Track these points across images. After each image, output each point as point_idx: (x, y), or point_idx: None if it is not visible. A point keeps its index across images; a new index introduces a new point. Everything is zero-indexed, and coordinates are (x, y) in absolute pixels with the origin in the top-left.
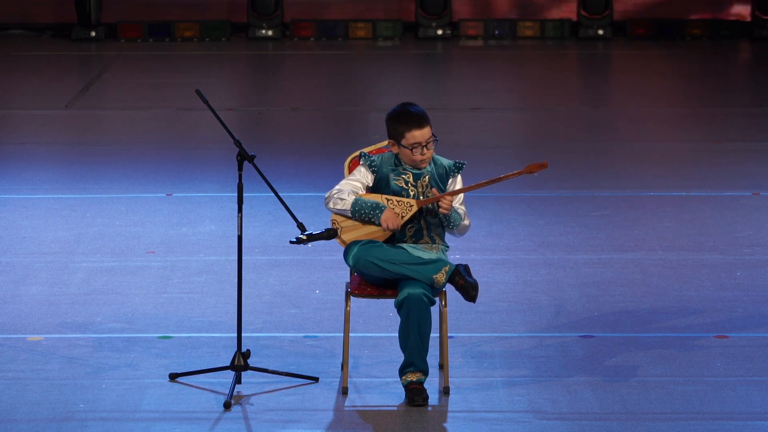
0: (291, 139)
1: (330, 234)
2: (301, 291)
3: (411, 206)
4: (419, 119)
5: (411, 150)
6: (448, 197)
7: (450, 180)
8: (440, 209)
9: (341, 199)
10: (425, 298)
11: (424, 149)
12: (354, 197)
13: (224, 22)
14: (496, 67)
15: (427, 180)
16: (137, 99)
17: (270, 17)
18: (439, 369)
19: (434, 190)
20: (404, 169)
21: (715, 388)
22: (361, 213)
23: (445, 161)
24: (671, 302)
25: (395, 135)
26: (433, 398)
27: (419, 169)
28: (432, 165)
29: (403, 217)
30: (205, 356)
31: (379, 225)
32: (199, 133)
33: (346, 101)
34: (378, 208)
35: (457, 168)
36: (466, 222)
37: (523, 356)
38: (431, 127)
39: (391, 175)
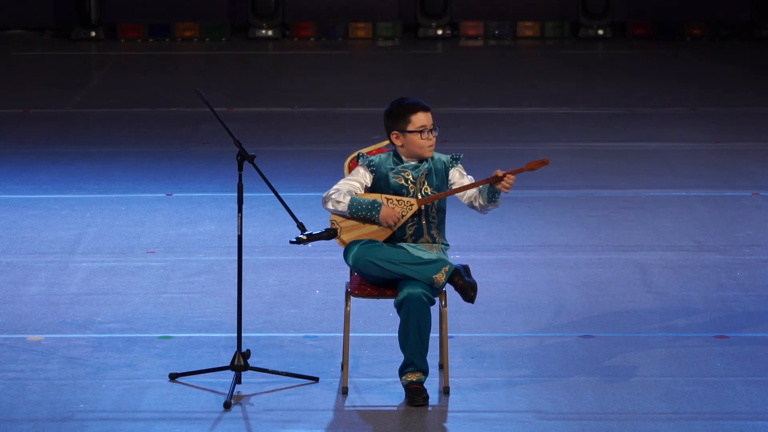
0: (291, 139)
1: (330, 234)
2: (301, 291)
3: (411, 205)
4: (421, 104)
5: (420, 134)
6: (511, 175)
7: (451, 171)
8: (501, 187)
9: (338, 201)
10: (425, 298)
11: (430, 134)
12: (350, 198)
13: (224, 22)
14: (496, 67)
15: (424, 176)
16: (137, 99)
17: (270, 17)
18: (439, 369)
19: (430, 189)
20: (403, 167)
21: (715, 388)
22: (359, 212)
23: (443, 156)
24: (671, 302)
25: (400, 124)
26: (433, 398)
27: (424, 158)
28: (430, 161)
29: (403, 215)
30: (205, 356)
31: (379, 223)
32: (199, 133)
33: (346, 101)
34: (375, 206)
35: (455, 159)
36: None
37: (523, 356)
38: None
39: (390, 174)
